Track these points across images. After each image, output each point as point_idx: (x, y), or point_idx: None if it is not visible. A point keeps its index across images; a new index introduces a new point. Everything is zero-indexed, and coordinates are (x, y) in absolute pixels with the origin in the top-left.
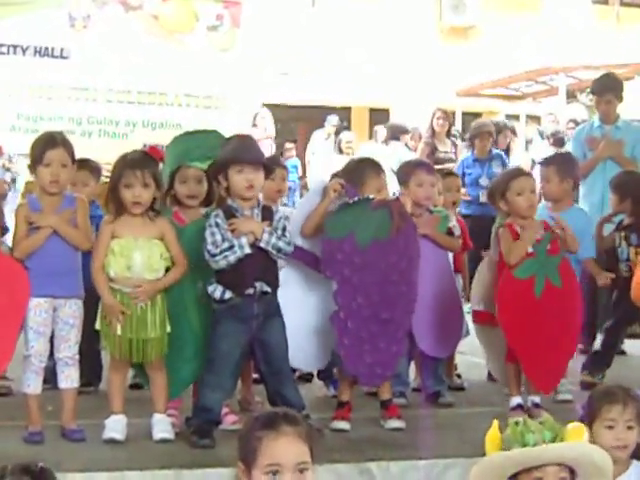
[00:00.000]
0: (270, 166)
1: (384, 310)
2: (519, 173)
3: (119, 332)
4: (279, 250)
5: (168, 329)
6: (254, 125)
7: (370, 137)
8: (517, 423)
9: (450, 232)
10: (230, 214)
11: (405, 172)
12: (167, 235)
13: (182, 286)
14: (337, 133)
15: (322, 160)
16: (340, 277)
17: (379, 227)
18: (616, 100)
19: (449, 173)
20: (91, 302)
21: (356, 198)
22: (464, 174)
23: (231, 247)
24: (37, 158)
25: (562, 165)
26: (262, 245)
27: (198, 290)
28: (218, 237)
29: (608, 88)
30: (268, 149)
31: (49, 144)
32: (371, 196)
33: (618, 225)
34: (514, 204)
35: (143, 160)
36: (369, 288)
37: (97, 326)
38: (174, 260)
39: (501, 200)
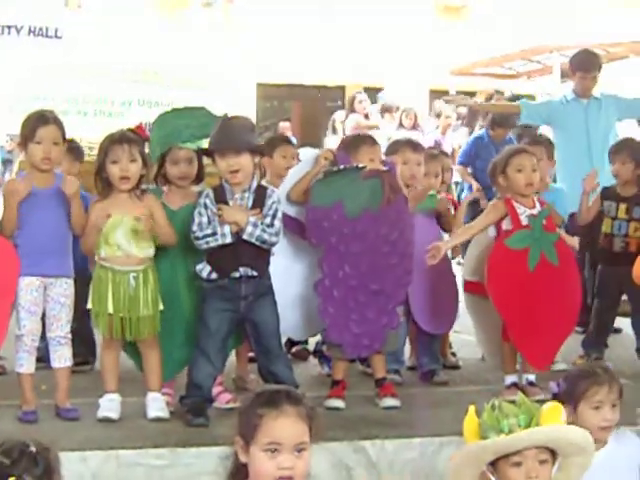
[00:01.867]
0: (258, 148)
1: (373, 281)
2: (521, 150)
3: (111, 310)
4: (263, 242)
5: (161, 307)
6: (352, 111)
7: (365, 117)
8: (493, 407)
9: (442, 212)
10: (220, 196)
11: (391, 149)
12: (155, 212)
13: (174, 270)
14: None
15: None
16: (327, 245)
17: (370, 197)
18: (599, 75)
19: (441, 152)
20: (83, 282)
21: (342, 166)
22: (476, 154)
23: (214, 233)
24: (28, 135)
25: (549, 146)
26: (245, 237)
27: (190, 275)
28: (204, 219)
29: (595, 65)
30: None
31: (40, 121)
32: (361, 165)
33: (605, 194)
34: (513, 180)
35: (129, 136)
36: (357, 258)
37: (89, 305)
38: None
39: (501, 175)
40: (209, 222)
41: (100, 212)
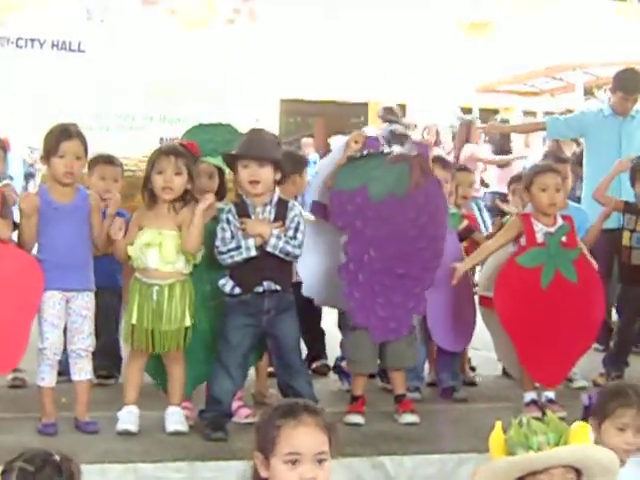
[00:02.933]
0: (280, 163)
1: (399, 265)
2: (547, 169)
3: (134, 321)
4: (287, 254)
5: (188, 323)
6: (467, 138)
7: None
8: (520, 424)
9: (470, 229)
10: (242, 210)
11: None
12: (185, 225)
13: (194, 287)
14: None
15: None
16: (352, 229)
17: (396, 182)
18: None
19: (462, 168)
20: (111, 295)
21: (367, 152)
22: None
23: (238, 247)
24: (51, 149)
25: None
26: (269, 249)
27: (207, 293)
28: (227, 234)
29: (639, 87)
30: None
31: (64, 135)
32: (387, 150)
33: (627, 208)
34: (536, 199)
35: (177, 149)
36: (383, 242)
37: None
38: None
39: (525, 192)
40: (232, 237)
41: (138, 223)
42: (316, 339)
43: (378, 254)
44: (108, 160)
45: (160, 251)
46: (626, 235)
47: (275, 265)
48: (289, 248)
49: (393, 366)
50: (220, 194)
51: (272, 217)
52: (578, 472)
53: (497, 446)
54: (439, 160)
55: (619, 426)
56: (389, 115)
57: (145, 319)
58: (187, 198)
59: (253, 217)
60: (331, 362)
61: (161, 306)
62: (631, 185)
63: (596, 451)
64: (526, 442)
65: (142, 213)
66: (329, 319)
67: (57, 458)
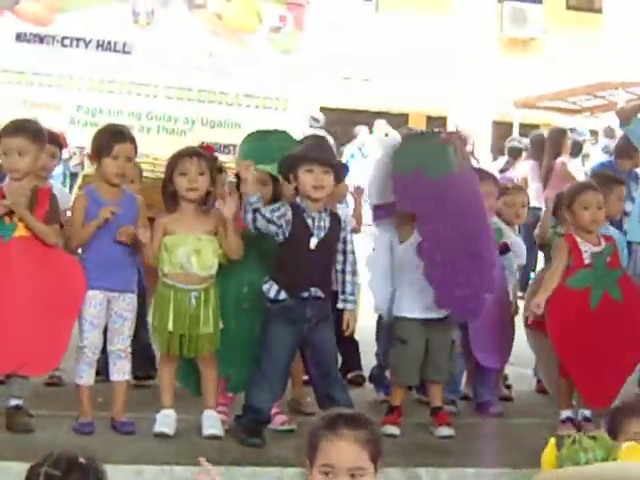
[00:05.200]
0: (342, 171)
1: (471, 243)
2: (588, 187)
3: (171, 328)
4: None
5: (221, 325)
6: (558, 152)
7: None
8: (574, 441)
9: (507, 246)
10: (297, 213)
11: None
12: (221, 228)
13: (227, 290)
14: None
15: None
16: (419, 211)
17: (447, 162)
18: None
19: (518, 188)
20: (145, 297)
21: (420, 131)
22: None
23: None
24: (104, 149)
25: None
26: (349, 308)
27: (242, 295)
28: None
29: None
30: None
31: (118, 137)
32: (437, 129)
33: None
34: (579, 217)
35: (198, 151)
36: (450, 220)
37: (148, 318)
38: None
39: (567, 211)
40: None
41: (164, 228)
42: (350, 350)
43: (449, 232)
44: None
45: (199, 257)
46: None
47: (322, 272)
48: (355, 287)
49: (432, 379)
50: (274, 200)
51: (327, 225)
52: None
53: (549, 462)
54: (491, 177)
55: (633, 437)
56: (311, 122)
57: (182, 325)
58: (209, 200)
59: (309, 221)
60: (366, 373)
61: (199, 311)
62: None
63: (628, 469)
64: (575, 458)
65: (166, 218)
66: (367, 329)
67: (83, 461)
